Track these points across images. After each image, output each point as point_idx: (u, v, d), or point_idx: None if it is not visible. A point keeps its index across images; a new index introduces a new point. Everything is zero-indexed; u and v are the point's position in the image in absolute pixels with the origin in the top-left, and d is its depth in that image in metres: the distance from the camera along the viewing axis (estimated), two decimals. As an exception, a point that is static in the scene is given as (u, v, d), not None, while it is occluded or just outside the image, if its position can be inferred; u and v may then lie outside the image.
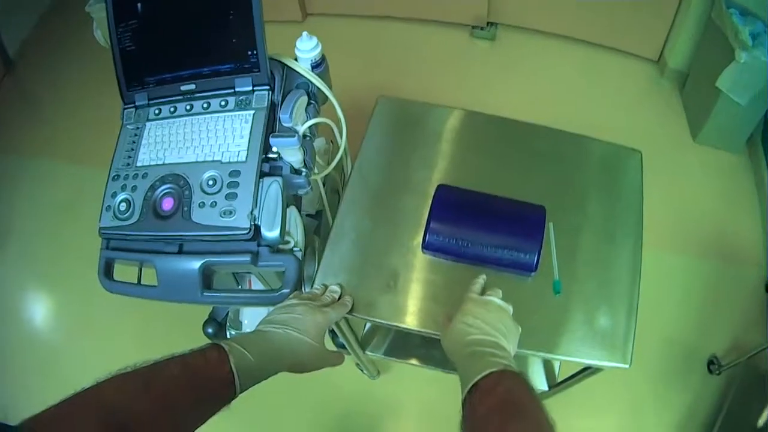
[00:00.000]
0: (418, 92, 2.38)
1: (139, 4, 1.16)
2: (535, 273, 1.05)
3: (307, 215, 1.46)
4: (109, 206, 1.15)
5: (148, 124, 1.21)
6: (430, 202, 1.11)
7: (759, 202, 2.12)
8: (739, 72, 1.88)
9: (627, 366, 0.99)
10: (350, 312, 1.04)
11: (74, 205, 2.33)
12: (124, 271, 1.20)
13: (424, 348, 1.50)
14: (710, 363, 1.76)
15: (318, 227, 1.51)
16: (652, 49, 2.50)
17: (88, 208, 2.10)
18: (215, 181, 1.10)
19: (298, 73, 1.19)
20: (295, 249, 1.14)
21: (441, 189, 1.12)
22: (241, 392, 0.76)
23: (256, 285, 1.40)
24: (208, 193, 1.09)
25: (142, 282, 1.18)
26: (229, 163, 1.11)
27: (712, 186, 2.18)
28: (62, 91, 2.81)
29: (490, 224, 1.06)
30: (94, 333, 2.01)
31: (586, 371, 1.18)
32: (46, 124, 2.67)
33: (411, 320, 1.04)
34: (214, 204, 1.08)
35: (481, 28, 2.70)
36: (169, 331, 1.88)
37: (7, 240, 2.29)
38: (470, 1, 2.59)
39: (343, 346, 1.38)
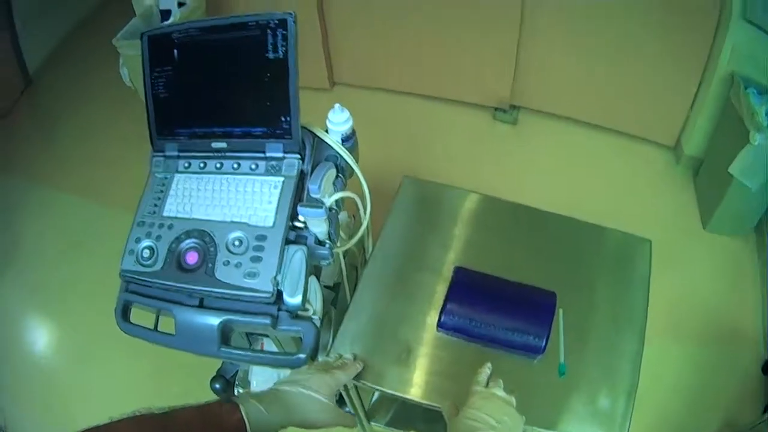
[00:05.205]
0: (438, 170, 2.50)
1: (175, 51, 1.20)
2: (542, 355, 1.13)
3: (325, 287, 1.49)
4: (132, 250, 1.19)
5: (177, 175, 1.26)
6: (445, 281, 1.20)
7: (761, 286, 2.17)
8: (753, 155, 1.91)
9: (622, 444, 1.06)
10: (360, 379, 1.11)
11: (82, 240, 2.38)
12: (138, 314, 1.24)
13: (426, 422, 1.52)
14: (704, 442, 1.81)
15: (335, 299, 1.55)
16: (669, 135, 2.57)
17: (97, 246, 2.17)
18: (241, 242, 1.14)
19: (328, 144, 1.24)
20: (314, 317, 1.19)
21: (459, 272, 1.21)
22: None
23: (269, 347, 1.44)
24: (233, 253, 1.14)
25: (158, 328, 1.22)
26: (256, 226, 1.15)
27: (718, 273, 2.24)
28: (79, 118, 2.86)
29: (504, 308, 1.15)
30: (95, 367, 2.05)
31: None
32: (58, 151, 2.73)
33: (417, 392, 1.11)
34: (239, 264, 1.12)
35: (504, 111, 2.79)
36: (174, 373, 1.92)
37: (8, 267, 2.32)
38: (494, 84, 2.69)
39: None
